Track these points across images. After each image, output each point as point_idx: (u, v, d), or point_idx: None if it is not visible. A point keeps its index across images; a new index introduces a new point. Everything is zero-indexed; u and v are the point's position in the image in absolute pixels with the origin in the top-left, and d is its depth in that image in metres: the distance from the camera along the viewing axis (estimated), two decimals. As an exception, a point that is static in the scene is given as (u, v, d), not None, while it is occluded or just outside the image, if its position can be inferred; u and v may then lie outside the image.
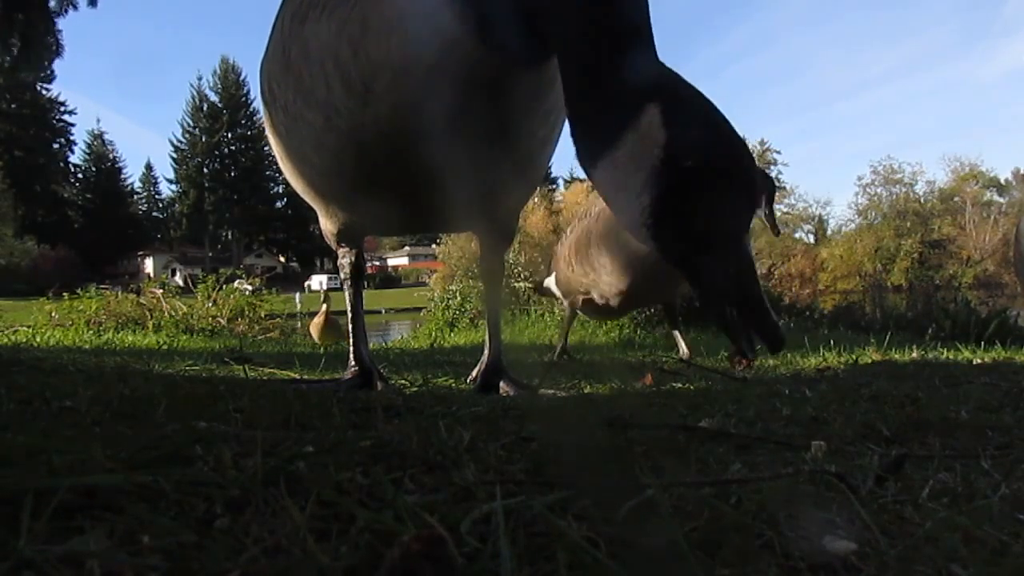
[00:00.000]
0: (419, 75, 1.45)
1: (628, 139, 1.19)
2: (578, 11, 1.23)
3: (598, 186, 1.33)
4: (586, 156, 1.28)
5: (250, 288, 9.31)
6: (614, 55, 1.20)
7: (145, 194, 68.55)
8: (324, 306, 6.27)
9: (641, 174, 1.18)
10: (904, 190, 44.60)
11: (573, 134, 1.29)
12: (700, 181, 1.16)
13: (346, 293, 2.22)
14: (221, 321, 7.61)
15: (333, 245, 2.20)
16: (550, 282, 4.67)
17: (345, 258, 2.19)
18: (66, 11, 8.34)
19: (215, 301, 7.91)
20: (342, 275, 2.22)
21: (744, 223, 1.23)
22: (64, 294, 7.89)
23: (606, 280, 3.95)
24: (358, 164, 1.68)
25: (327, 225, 2.13)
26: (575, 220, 4.38)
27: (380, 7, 1.49)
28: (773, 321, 1.20)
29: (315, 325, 6.16)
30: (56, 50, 8.58)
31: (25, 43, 8.22)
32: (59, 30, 8.52)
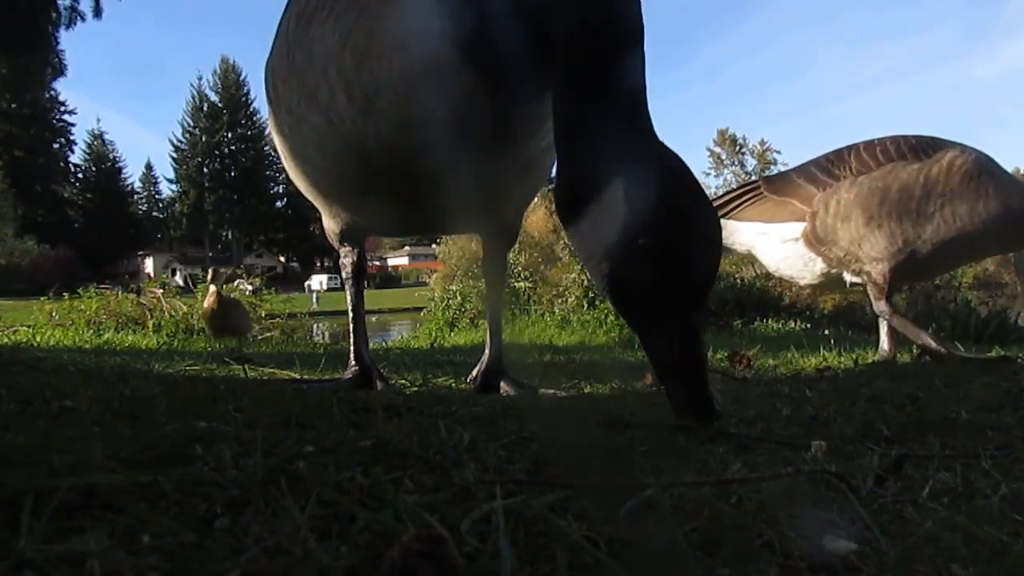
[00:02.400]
0: (421, 97, 1.45)
1: (592, 210, 1.26)
2: (572, 47, 1.26)
3: (575, 250, 1.41)
4: (560, 212, 1.35)
5: (251, 288, 9.32)
6: (601, 100, 1.24)
7: (145, 194, 68.64)
8: (212, 287, 5.07)
9: (601, 245, 1.27)
10: (904, 190, 44.47)
11: (557, 177, 1.36)
12: (650, 260, 1.22)
13: (347, 292, 2.23)
14: (221, 321, 7.59)
15: (335, 244, 2.20)
16: (783, 232, 3.33)
17: (347, 257, 2.19)
18: (74, 24, 8.40)
19: (215, 301, 7.89)
20: (343, 274, 2.22)
21: (694, 300, 1.27)
22: (64, 294, 7.90)
23: (925, 248, 2.99)
24: (360, 169, 1.68)
25: (330, 224, 2.13)
26: (869, 158, 3.14)
27: (386, 23, 1.47)
28: (706, 396, 1.25)
29: (205, 314, 5.08)
30: (60, 69, 8.63)
31: (28, 67, 8.27)
32: (62, 50, 8.58)
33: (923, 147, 3.10)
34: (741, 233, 3.57)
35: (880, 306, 3.16)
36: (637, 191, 1.23)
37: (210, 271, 5.51)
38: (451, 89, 1.41)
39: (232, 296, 6.25)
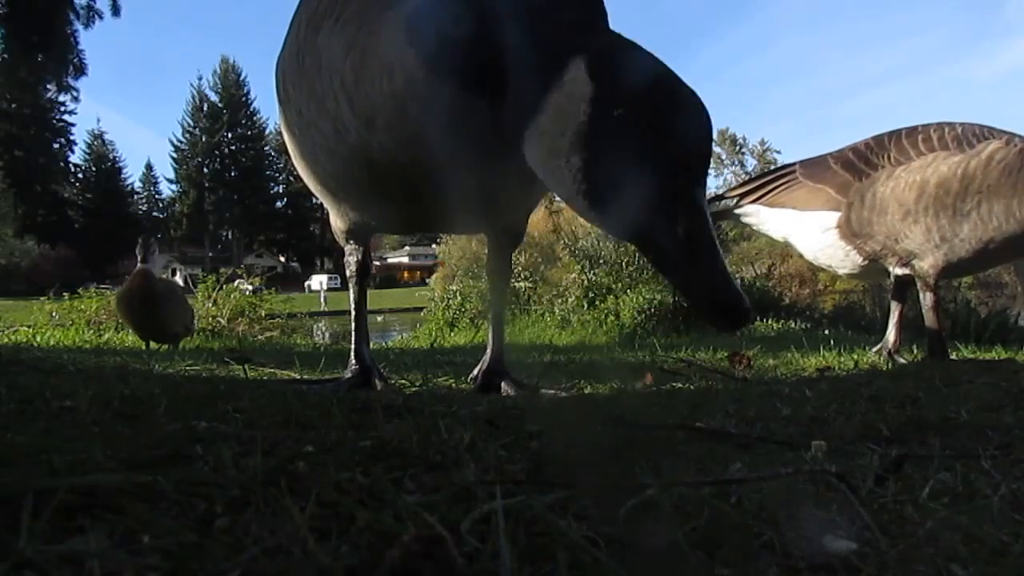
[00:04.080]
0: (413, 120, 1.42)
1: (553, 100, 1.08)
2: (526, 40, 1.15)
3: (531, 163, 1.20)
4: (517, 133, 1.15)
5: (251, 288, 9.33)
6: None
7: (145, 194, 68.70)
8: (140, 264, 3.97)
9: (569, 134, 1.07)
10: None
11: (510, 125, 1.18)
12: (632, 132, 1.03)
13: (350, 291, 2.23)
14: (221, 321, 7.61)
15: (341, 242, 2.20)
16: (818, 222, 3.22)
17: (352, 256, 2.19)
18: (92, 23, 8.43)
19: (215, 301, 7.92)
20: (347, 272, 2.22)
21: (691, 171, 1.06)
22: (64, 294, 7.91)
23: (963, 247, 2.88)
24: (368, 174, 1.68)
25: (337, 222, 2.14)
26: (909, 147, 3.01)
27: (378, 44, 1.46)
28: (733, 292, 1.07)
29: (120, 301, 3.95)
30: (81, 68, 8.67)
31: (46, 66, 8.34)
32: (82, 50, 8.61)
33: (967, 137, 2.91)
34: (775, 220, 3.44)
35: (927, 299, 3.06)
36: (606, 63, 1.06)
37: (139, 241, 4.14)
38: (442, 111, 1.36)
39: (172, 281, 5.18)
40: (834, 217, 3.16)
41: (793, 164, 3.43)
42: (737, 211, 3.58)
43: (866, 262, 3.19)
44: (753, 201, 3.47)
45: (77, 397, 1.23)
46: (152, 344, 4.40)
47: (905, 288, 3.30)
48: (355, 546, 0.60)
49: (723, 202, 3.62)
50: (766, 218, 3.46)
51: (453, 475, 0.82)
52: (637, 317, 7.31)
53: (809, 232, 3.29)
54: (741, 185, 3.63)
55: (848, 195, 3.11)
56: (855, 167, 3.12)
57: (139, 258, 4.08)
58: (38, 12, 7.96)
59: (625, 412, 1.42)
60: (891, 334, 3.32)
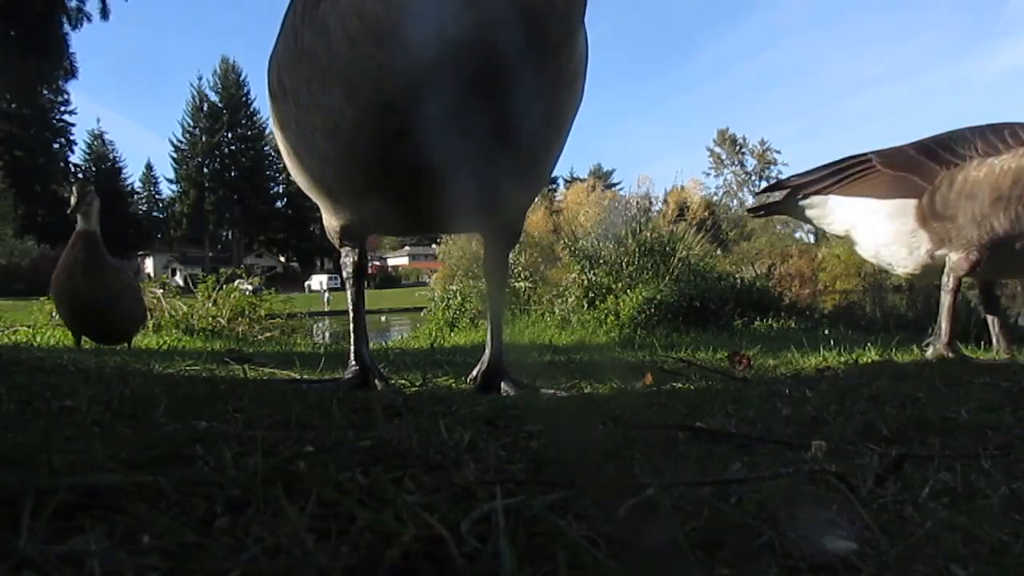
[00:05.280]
0: (448, 8, 1.42)
1: None
2: None
3: None
4: None
5: (251, 288, 9.33)
6: None
7: (145, 194, 68.72)
8: (80, 223, 3.25)
9: None
10: (905, 189, 44.37)
11: None
12: None
13: (348, 292, 2.22)
14: (221, 321, 7.61)
15: (336, 243, 2.19)
16: (893, 209, 3.27)
17: (348, 256, 2.18)
18: (80, 24, 8.45)
19: (215, 301, 7.92)
20: (344, 273, 2.22)
21: None
22: (64, 294, 7.88)
23: None
24: (373, 143, 1.66)
25: (331, 222, 2.13)
26: (997, 140, 3.11)
27: None
28: None
29: (60, 277, 3.19)
30: (71, 71, 8.68)
31: (39, 69, 8.37)
32: (72, 52, 8.62)
33: None
34: (844, 209, 3.46)
35: (951, 282, 3.15)
36: None
37: (72, 191, 3.38)
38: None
39: (118, 262, 3.80)
40: (913, 203, 3.21)
41: (866, 154, 3.45)
42: (801, 203, 3.58)
43: (933, 251, 3.23)
44: (819, 191, 3.48)
45: (77, 397, 1.23)
46: (148, 344, 4.36)
47: (994, 297, 3.44)
48: (355, 546, 0.60)
49: (778, 193, 3.63)
50: (834, 208, 3.49)
51: (453, 475, 0.82)
52: (637, 317, 7.31)
53: (879, 221, 3.33)
54: (804, 175, 3.62)
55: (934, 181, 3.17)
56: (940, 156, 3.19)
57: (76, 205, 3.16)
58: (35, 15, 7.97)
59: (625, 412, 1.42)
60: (999, 341, 3.42)
